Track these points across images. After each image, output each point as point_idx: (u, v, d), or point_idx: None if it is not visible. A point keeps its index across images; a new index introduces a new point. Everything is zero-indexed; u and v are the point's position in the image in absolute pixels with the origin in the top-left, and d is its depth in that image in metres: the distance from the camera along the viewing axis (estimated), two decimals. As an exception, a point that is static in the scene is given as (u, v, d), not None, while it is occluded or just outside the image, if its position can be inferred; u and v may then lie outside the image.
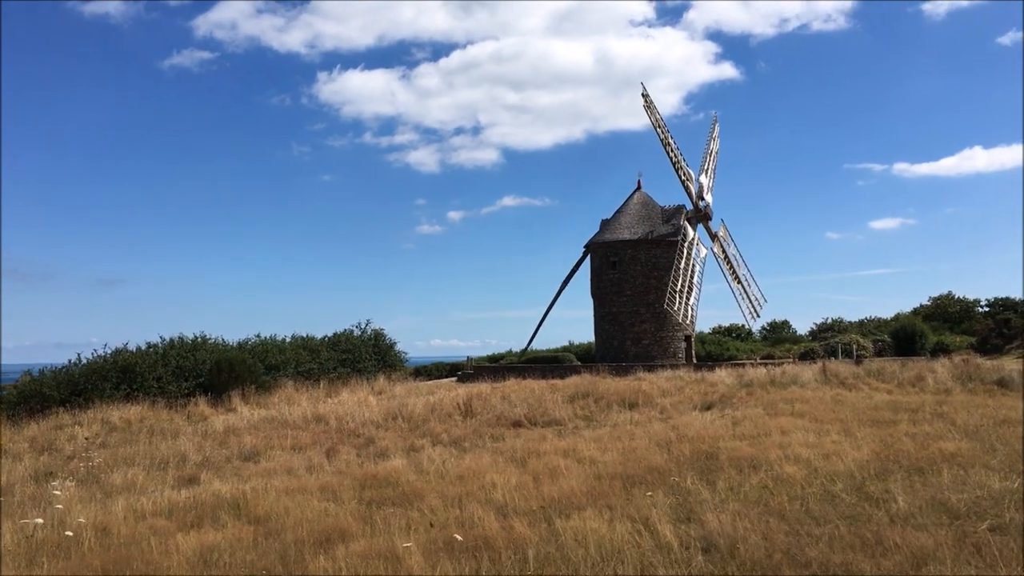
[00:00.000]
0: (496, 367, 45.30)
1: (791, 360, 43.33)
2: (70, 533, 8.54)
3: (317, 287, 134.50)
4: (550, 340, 62.09)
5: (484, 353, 67.60)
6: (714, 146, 47.00)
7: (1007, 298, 59.27)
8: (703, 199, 45.07)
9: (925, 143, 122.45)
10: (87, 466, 14.72)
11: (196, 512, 10.35)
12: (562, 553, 7.39)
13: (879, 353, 45.36)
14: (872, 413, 17.73)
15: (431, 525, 8.65)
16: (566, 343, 58.98)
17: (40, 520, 8.40)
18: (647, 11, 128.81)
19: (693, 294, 43.15)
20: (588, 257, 46.82)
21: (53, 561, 7.79)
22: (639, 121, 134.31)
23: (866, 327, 65.13)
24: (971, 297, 60.71)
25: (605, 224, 46.69)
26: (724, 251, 45.89)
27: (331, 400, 28.52)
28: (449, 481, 11.43)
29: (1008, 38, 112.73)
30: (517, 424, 20.67)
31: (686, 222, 43.89)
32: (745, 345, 57.15)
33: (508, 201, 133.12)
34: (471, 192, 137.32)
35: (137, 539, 8.64)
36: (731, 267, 46.03)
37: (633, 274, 44.20)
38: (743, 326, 67.96)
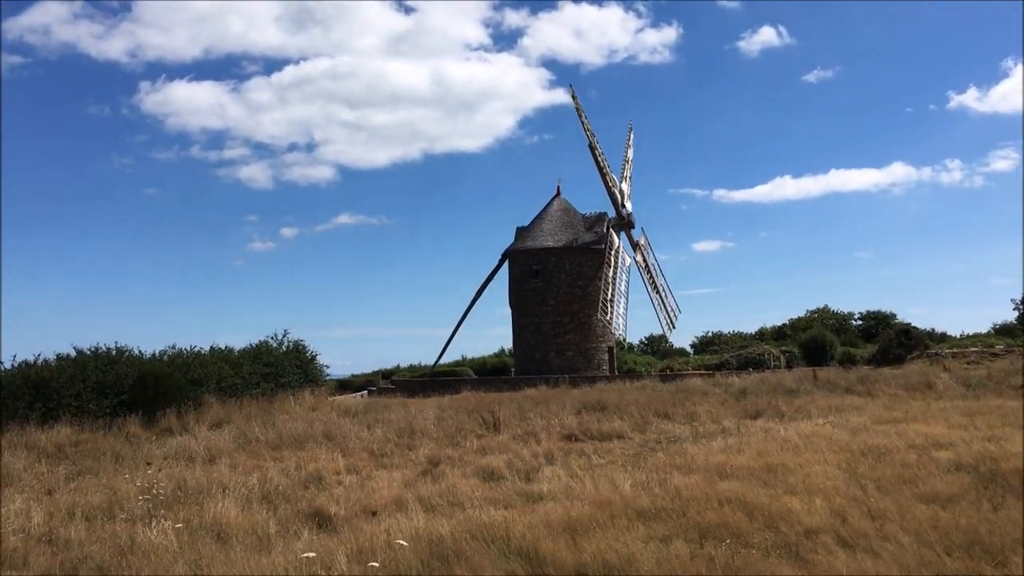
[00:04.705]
0: (416, 381, 42.32)
1: (689, 371, 42.90)
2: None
3: (141, 303, 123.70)
4: (427, 356, 59.68)
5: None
6: (630, 154, 46.15)
7: (878, 311, 62.21)
8: (624, 207, 43.99)
9: (741, 171, 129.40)
10: (148, 501, 10.97)
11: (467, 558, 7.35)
12: None
13: (789, 364, 45.65)
14: (993, 418, 16.56)
15: None
16: (459, 357, 56.37)
17: None
18: (482, 36, 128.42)
19: (621, 303, 41.87)
20: (506, 266, 44.58)
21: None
22: (476, 142, 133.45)
23: (732, 340, 66.60)
24: (845, 310, 63.45)
25: (523, 232, 44.68)
26: (645, 260, 44.98)
27: (285, 416, 24.80)
28: (738, 510, 8.89)
29: (814, 76, 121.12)
30: (570, 438, 18.25)
31: (611, 230, 42.60)
32: (642, 358, 56.63)
33: (344, 219, 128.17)
34: (305, 209, 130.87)
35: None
36: (651, 276, 45.17)
37: (557, 283, 42.38)
38: (624, 339, 67.93)
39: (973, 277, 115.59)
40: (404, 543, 7.01)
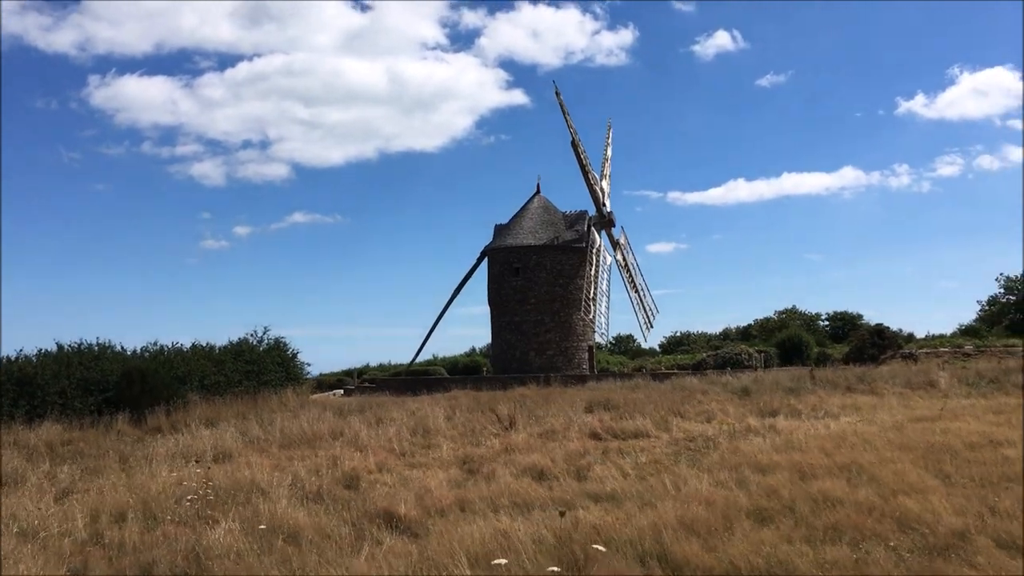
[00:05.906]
0: (399, 380, 41.60)
1: (666, 370, 42.79)
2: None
3: (91, 299, 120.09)
4: (396, 355, 58.69)
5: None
6: (609, 152, 45.92)
7: (845, 312, 63.01)
8: (605, 205, 43.69)
9: (695, 173, 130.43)
10: (194, 502, 10.19)
11: (599, 562, 6.79)
12: None
13: (765, 363, 45.75)
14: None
15: None
16: (430, 356, 55.63)
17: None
18: (439, 36, 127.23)
19: (604, 302, 41.58)
20: (485, 264, 43.96)
21: None
22: (433, 142, 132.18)
23: (700, 341, 67.01)
24: (812, 311, 64.20)
25: (502, 229, 44.06)
26: (625, 259, 44.70)
27: (286, 414, 23.88)
28: (857, 511, 8.47)
29: (767, 80, 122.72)
30: (595, 436, 17.73)
31: (592, 228, 42.25)
32: (614, 358, 56.43)
33: (298, 217, 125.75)
34: (259, 207, 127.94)
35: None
36: (630, 275, 44.89)
37: (538, 281, 41.85)
38: (607, 338, 67.88)
39: (921, 279, 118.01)
40: (601, 548, 6.40)
